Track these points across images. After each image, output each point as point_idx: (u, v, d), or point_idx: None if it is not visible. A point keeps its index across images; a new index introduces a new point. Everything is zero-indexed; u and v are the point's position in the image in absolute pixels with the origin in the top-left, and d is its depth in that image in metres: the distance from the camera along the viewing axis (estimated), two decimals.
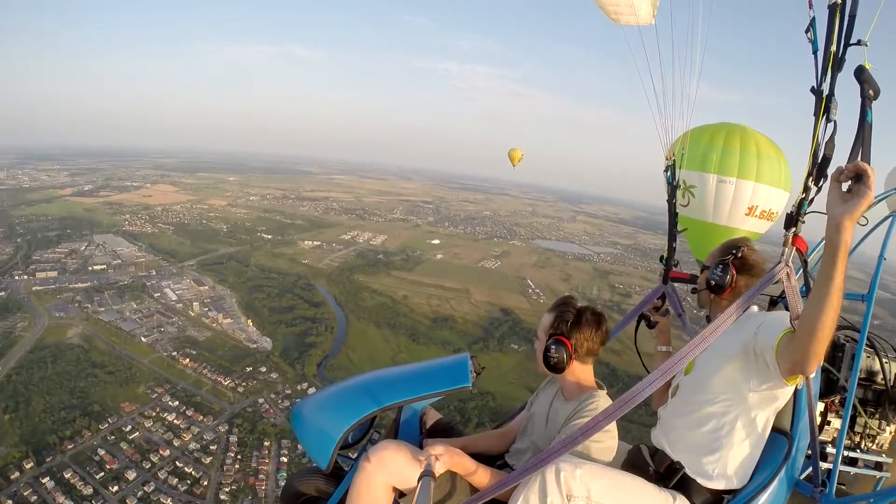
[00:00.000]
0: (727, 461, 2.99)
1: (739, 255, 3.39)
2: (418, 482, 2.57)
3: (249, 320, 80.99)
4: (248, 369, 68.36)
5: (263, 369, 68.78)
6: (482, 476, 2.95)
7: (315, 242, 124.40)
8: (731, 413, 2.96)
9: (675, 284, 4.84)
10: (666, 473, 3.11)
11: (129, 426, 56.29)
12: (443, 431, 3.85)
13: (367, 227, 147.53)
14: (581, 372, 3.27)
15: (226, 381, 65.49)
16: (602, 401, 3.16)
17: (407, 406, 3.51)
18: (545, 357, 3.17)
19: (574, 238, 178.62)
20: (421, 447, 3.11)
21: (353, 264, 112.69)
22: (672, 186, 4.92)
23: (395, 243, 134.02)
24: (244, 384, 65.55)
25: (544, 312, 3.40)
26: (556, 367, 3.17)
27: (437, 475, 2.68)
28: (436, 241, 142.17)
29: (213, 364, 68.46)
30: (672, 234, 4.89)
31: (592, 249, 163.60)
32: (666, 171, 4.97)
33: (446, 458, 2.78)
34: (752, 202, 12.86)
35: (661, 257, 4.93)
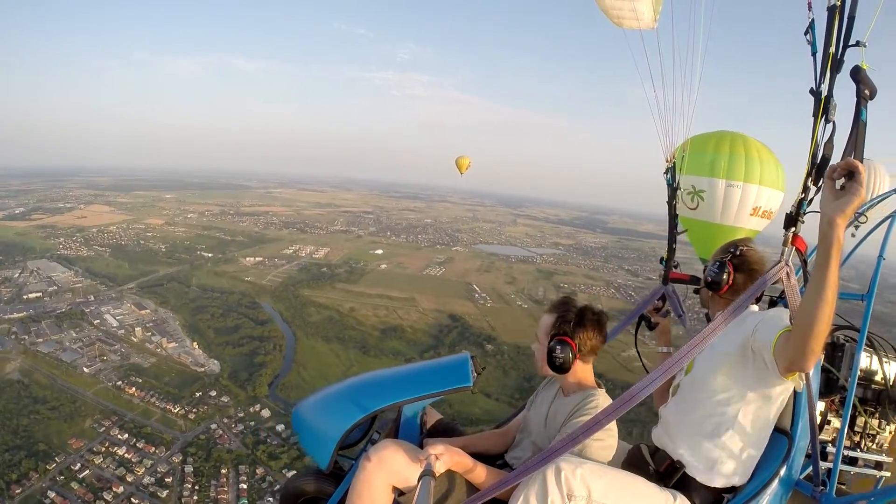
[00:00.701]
0: (727, 460, 3.01)
1: (738, 253, 3.48)
2: (418, 482, 2.61)
3: (195, 343, 78.32)
4: (198, 394, 65.94)
5: (213, 393, 66.47)
6: (482, 475, 3.00)
7: (257, 258, 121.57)
8: (732, 412, 2.98)
9: (675, 285, 4.90)
10: (666, 472, 3.13)
11: (79, 464, 53.33)
12: (443, 431, 3.86)
13: (309, 240, 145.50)
14: (582, 371, 3.32)
15: (175, 408, 63.01)
16: (602, 399, 3.19)
17: (407, 406, 3.53)
18: (550, 358, 3.19)
19: (516, 241, 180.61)
20: (421, 447, 3.16)
21: (297, 279, 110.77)
22: (672, 188, 4.94)
23: (337, 255, 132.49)
24: (195, 410, 63.19)
25: (543, 314, 3.41)
26: (562, 368, 3.19)
27: (437, 474, 2.72)
28: (379, 251, 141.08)
29: (160, 391, 65.77)
30: (672, 236, 4.97)
31: (535, 251, 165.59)
32: (666, 172, 4.98)
33: (446, 457, 2.82)
34: (756, 203, 13.96)
35: (661, 259, 5.01)
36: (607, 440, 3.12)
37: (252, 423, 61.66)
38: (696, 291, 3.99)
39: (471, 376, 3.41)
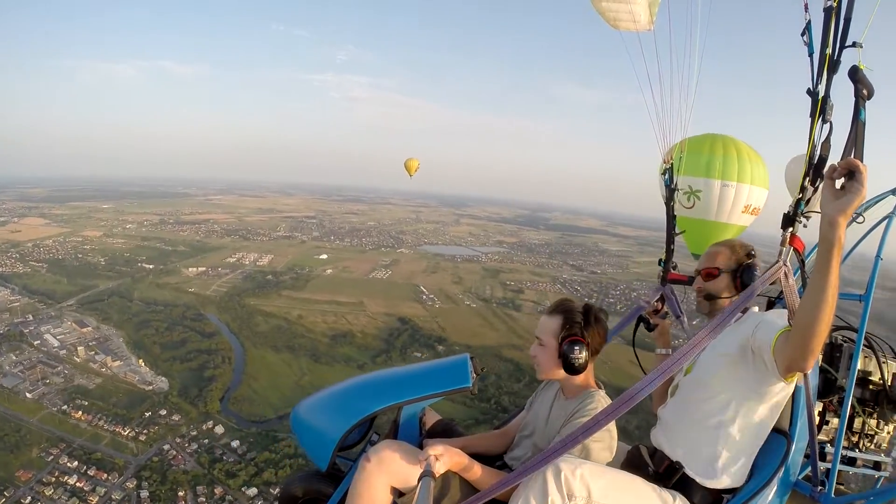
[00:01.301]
0: (726, 460, 3.01)
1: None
2: (418, 482, 2.63)
3: (141, 360, 75.14)
4: (147, 414, 63.05)
5: (163, 412, 63.62)
6: (482, 476, 2.99)
7: (200, 268, 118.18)
8: (731, 412, 2.99)
9: (674, 286, 4.84)
10: (665, 473, 3.14)
11: (29, 497, 50.13)
12: (442, 432, 3.85)
13: (252, 247, 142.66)
14: (586, 372, 3.28)
15: (125, 430, 60.03)
16: (601, 400, 3.17)
17: (406, 407, 3.53)
18: (567, 360, 3.15)
19: (460, 241, 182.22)
20: (421, 447, 3.14)
21: (242, 288, 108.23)
22: (670, 189, 4.92)
23: (282, 262, 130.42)
24: (146, 431, 60.29)
25: (542, 316, 3.36)
26: (581, 369, 3.17)
27: (436, 475, 2.73)
28: (324, 256, 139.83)
29: (108, 414, 62.58)
30: (670, 237, 4.90)
31: (479, 250, 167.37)
32: (664, 174, 5.00)
33: (446, 457, 2.83)
34: (748, 201, 15.17)
35: (660, 260, 4.92)
36: (607, 441, 3.09)
37: (206, 441, 59.52)
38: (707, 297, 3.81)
39: (470, 377, 3.40)
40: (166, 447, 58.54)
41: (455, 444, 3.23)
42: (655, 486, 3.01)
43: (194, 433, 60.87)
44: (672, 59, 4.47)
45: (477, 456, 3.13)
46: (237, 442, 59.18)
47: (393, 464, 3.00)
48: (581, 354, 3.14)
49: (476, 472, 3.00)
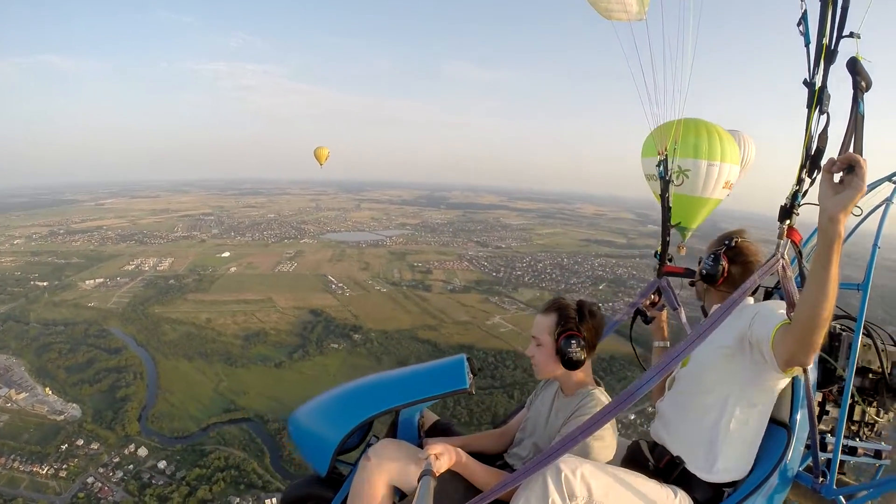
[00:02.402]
0: (726, 454, 3.03)
1: (733, 245, 3.57)
2: (418, 481, 2.62)
3: (47, 388, 68.39)
4: (64, 447, 57.56)
5: (80, 442, 58.33)
6: (482, 475, 3.02)
7: (97, 280, 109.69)
8: (729, 405, 3.01)
9: (670, 279, 4.85)
10: (666, 468, 3.15)
11: None
12: (440, 433, 3.83)
13: (150, 251, 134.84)
14: (583, 368, 3.31)
15: (43, 468, 54.47)
16: (600, 397, 3.22)
17: (404, 409, 3.58)
18: (565, 355, 3.19)
19: (363, 226, 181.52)
20: (420, 448, 3.14)
21: (145, 296, 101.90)
22: (665, 181, 4.94)
23: (183, 264, 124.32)
24: (65, 466, 54.91)
25: (537, 315, 3.39)
26: (578, 363, 3.22)
27: (437, 474, 2.73)
28: (226, 254, 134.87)
29: (21, 453, 56.55)
30: (665, 229, 4.91)
31: (383, 234, 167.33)
32: (658, 165, 4.99)
33: (446, 456, 2.87)
34: (727, 178, 17.24)
35: (655, 252, 4.90)
36: (607, 438, 3.10)
37: (131, 467, 55.39)
38: (692, 284, 4.04)
39: (467, 378, 3.42)
40: (90, 480, 53.82)
41: (455, 442, 3.28)
42: (656, 483, 3.00)
43: (117, 460, 56.36)
44: (664, 48, 4.62)
45: (477, 455, 3.18)
46: (164, 462, 55.73)
47: (393, 462, 3.05)
48: (578, 349, 3.18)
49: (476, 471, 3.03)
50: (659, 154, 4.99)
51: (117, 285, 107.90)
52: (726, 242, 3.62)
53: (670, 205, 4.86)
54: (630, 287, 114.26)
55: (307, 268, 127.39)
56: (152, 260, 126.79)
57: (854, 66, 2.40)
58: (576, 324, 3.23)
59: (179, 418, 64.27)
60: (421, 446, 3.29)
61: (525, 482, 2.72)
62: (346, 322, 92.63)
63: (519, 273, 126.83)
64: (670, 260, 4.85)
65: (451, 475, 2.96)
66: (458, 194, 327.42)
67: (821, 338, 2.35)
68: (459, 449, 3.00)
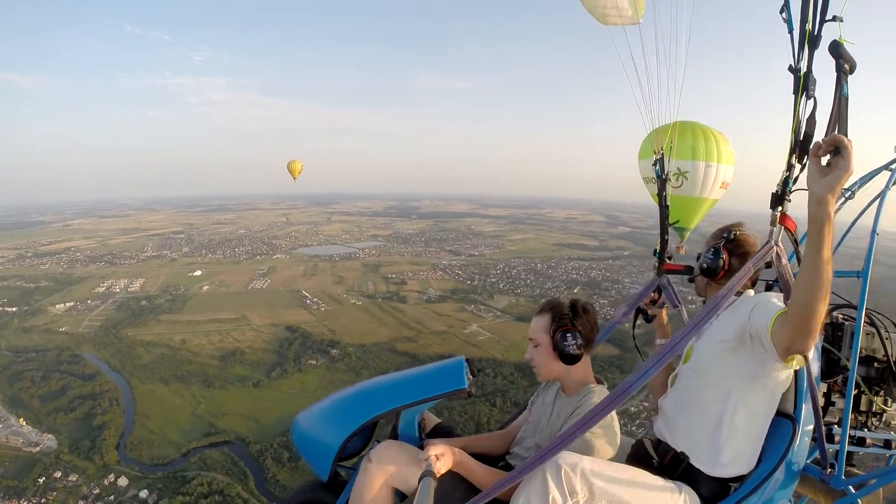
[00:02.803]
0: (731, 449, 2.99)
1: (732, 237, 3.54)
2: (419, 482, 2.63)
3: (21, 419, 65.41)
4: (42, 480, 54.62)
5: (58, 474, 55.40)
6: (483, 476, 3.02)
7: (68, 304, 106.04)
8: (732, 399, 2.97)
9: (670, 277, 4.85)
10: (670, 464, 3.11)
11: None
12: (441, 435, 3.80)
13: (121, 272, 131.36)
14: (583, 367, 3.35)
15: None
16: (601, 394, 3.23)
17: (405, 411, 3.58)
18: (562, 349, 3.22)
19: (335, 239, 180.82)
20: (422, 449, 3.11)
21: (117, 319, 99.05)
22: (662, 180, 4.96)
23: (154, 285, 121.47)
24: (44, 501, 52.05)
25: (533, 317, 3.42)
26: (576, 357, 3.24)
27: (437, 475, 2.72)
28: (198, 273, 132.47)
29: None
30: (664, 227, 4.94)
31: (356, 247, 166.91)
32: (655, 164, 5.04)
33: (447, 457, 2.87)
34: (724, 178, 17.21)
35: (655, 251, 4.91)
36: (608, 434, 3.09)
37: (112, 498, 53.21)
38: (691, 281, 4.01)
39: (466, 379, 3.40)
40: None
41: (456, 444, 3.27)
42: (660, 478, 2.96)
43: (97, 491, 53.98)
44: (658, 50, 4.64)
45: (478, 456, 3.17)
46: (145, 492, 53.60)
47: (394, 463, 3.08)
48: (574, 342, 3.20)
49: (477, 471, 3.02)
50: (655, 153, 5.02)
51: (88, 308, 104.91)
52: (725, 235, 3.58)
53: (667, 203, 4.92)
54: (604, 289, 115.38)
55: (281, 283, 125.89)
56: (123, 281, 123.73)
57: (837, 49, 2.39)
58: (570, 319, 3.27)
59: (159, 444, 62.25)
60: (422, 448, 3.18)
61: (525, 479, 2.70)
62: (323, 337, 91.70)
63: (493, 280, 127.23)
64: (669, 258, 4.86)
65: (452, 476, 2.95)
66: (429, 203, 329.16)
67: (818, 322, 2.29)
68: (460, 450, 3.01)
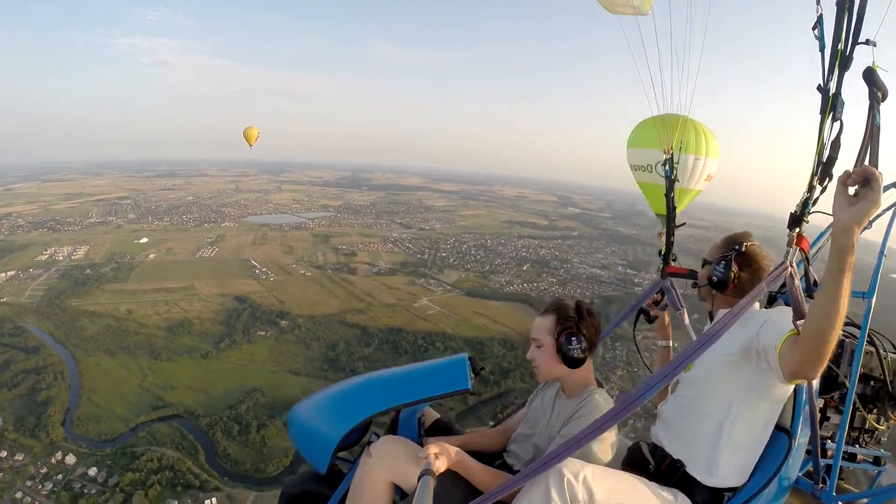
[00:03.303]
0: (727, 459, 2.99)
1: (742, 250, 3.46)
2: (418, 481, 2.61)
3: None
4: None
5: (3, 454, 52.96)
6: (482, 475, 2.99)
7: (9, 273, 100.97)
8: (732, 411, 2.97)
9: (674, 279, 4.84)
10: (666, 471, 3.12)
11: None
12: (442, 432, 3.90)
13: (64, 239, 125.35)
14: (584, 369, 3.32)
15: None
16: (602, 399, 3.23)
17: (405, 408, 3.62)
18: (566, 353, 3.21)
19: (285, 208, 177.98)
20: (421, 446, 3.10)
21: (61, 288, 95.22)
22: (670, 181, 4.96)
23: (99, 252, 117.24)
24: None
25: (536, 317, 3.41)
26: (580, 361, 3.23)
27: (436, 473, 2.71)
28: (144, 240, 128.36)
29: None
30: (670, 229, 4.96)
31: (306, 216, 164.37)
32: (664, 164, 5.06)
33: (446, 456, 2.83)
34: (710, 171, 16.82)
35: (660, 252, 4.98)
36: (607, 440, 3.11)
37: (60, 477, 51.17)
38: (695, 286, 3.96)
39: (469, 379, 3.40)
40: (19, 495, 49.06)
41: (455, 441, 3.32)
42: (656, 486, 2.99)
43: (44, 470, 51.96)
44: (672, 43, 4.57)
45: (477, 453, 3.14)
46: (94, 469, 51.76)
47: (394, 460, 3.07)
48: (579, 346, 3.20)
49: (475, 471, 2.98)
50: (665, 152, 5.01)
51: (31, 277, 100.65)
52: (736, 248, 3.50)
53: (674, 205, 4.95)
54: (553, 268, 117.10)
55: (229, 252, 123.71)
56: (67, 248, 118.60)
57: (871, 75, 2.31)
58: (575, 322, 3.25)
59: (106, 420, 60.66)
60: (421, 445, 3.27)
61: (527, 486, 2.70)
62: (273, 308, 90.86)
63: (444, 255, 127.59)
64: (674, 260, 4.89)
65: (452, 475, 2.93)
66: (381, 175, 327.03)
67: (829, 350, 2.26)
68: (459, 449, 2.96)
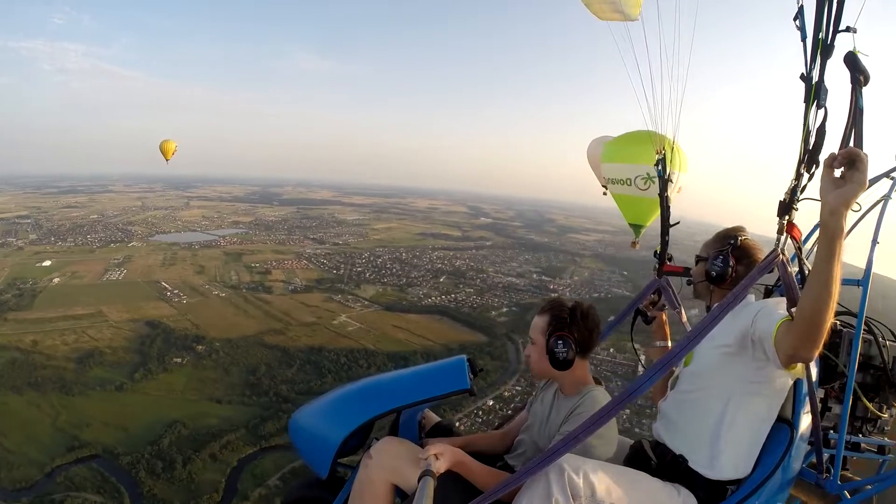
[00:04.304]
0: (729, 452, 3.00)
1: (737, 244, 3.50)
2: (419, 481, 2.61)
3: None
4: None
5: None
6: (483, 476, 3.00)
7: None
8: (732, 403, 2.99)
9: (670, 278, 4.87)
10: (668, 466, 3.14)
11: None
12: (443, 434, 3.87)
13: None
14: (580, 369, 3.35)
15: None
16: (600, 396, 3.24)
17: (405, 410, 3.61)
18: (553, 355, 3.22)
19: (195, 226, 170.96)
20: (422, 448, 3.10)
21: None
22: (663, 180, 5.05)
23: None
24: None
25: (534, 316, 3.43)
26: (565, 364, 3.23)
27: (437, 474, 2.71)
28: (47, 263, 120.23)
29: None
30: (665, 228, 4.91)
31: (216, 234, 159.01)
32: (657, 165, 5.15)
33: (446, 457, 2.85)
34: (680, 185, 16.83)
35: (655, 252, 4.91)
36: (607, 436, 3.12)
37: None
38: (690, 283, 4.02)
39: (468, 379, 3.43)
40: None
41: (456, 443, 3.32)
42: (658, 480, 3.01)
43: None
44: (661, 47, 4.57)
45: (478, 455, 3.15)
46: None
47: (394, 461, 3.08)
48: (566, 349, 3.19)
49: (476, 471, 2.99)
50: (658, 153, 5.08)
51: None
52: (731, 242, 3.54)
53: (669, 205, 4.93)
54: (470, 279, 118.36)
55: (138, 274, 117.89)
56: None
57: (853, 60, 2.36)
58: (566, 324, 3.26)
59: (18, 465, 56.05)
60: (422, 447, 3.19)
61: (528, 482, 2.70)
62: (187, 332, 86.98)
63: (359, 269, 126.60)
64: (669, 259, 4.86)
65: (453, 476, 2.92)
66: (291, 190, 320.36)
67: (824, 333, 2.27)
68: (460, 449, 2.98)
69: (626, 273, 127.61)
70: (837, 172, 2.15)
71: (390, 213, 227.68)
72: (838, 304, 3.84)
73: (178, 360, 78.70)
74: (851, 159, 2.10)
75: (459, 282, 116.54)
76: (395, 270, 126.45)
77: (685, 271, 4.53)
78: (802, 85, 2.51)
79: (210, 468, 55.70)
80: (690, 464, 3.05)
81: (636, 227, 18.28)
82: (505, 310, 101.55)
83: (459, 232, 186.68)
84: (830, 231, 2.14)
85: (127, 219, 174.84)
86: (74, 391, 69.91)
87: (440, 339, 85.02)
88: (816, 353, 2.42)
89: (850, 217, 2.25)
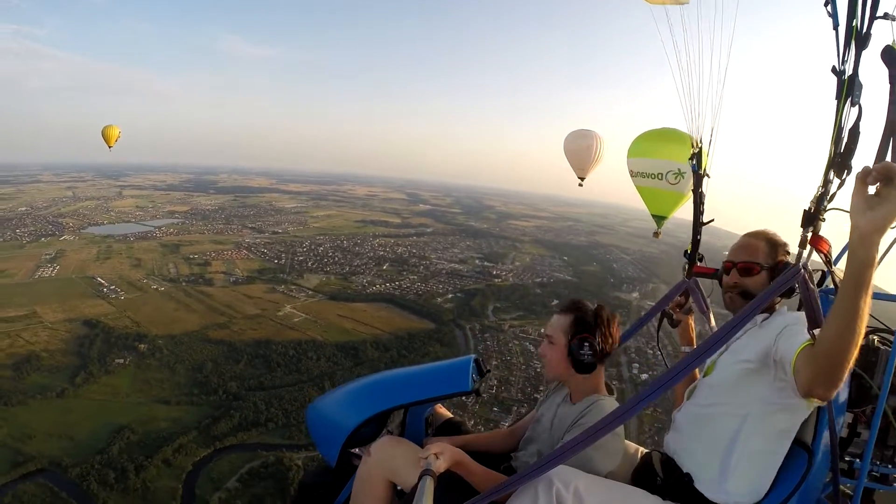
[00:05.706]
0: (739, 475, 2.77)
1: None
2: (418, 480, 2.58)
3: None
4: None
5: None
6: (481, 477, 2.90)
7: None
8: (748, 425, 2.76)
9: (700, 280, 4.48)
10: (674, 485, 2.94)
11: None
12: (452, 431, 3.82)
13: None
14: (596, 375, 3.20)
15: None
16: (608, 405, 3.10)
17: (412, 407, 3.57)
18: (576, 357, 3.08)
19: (128, 216, 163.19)
20: (423, 446, 3.13)
21: None
22: (698, 175, 4.58)
23: None
24: None
25: (554, 314, 3.29)
26: (589, 367, 3.10)
27: (436, 473, 2.66)
28: None
29: None
30: (697, 226, 4.55)
31: (151, 224, 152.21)
32: (692, 159, 4.67)
33: (446, 456, 2.76)
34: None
35: (685, 251, 4.58)
36: (609, 448, 2.95)
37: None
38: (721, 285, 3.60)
39: (470, 381, 3.35)
40: None
41: (457, 442, 3.22)
42: (658, 499, 2.84)
43: None
44: (713, 33, 4.22)
45: (481, 455, 3.12)
46: None
47: (392, 460, 3.04)
48: (590, 352, 3.06)
49: (475, 472, 2.90)
50: (693, 147, 4.68)
51: None
52: (788, 251, 3.17)
53: (703, 201, 4.53)
54: (413, 265, 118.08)
55: (72, 270, 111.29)
56: None
57: (891, 56, 2.08)
58: (592, 328, 3.10)
59: None
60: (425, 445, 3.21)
61: (517, 492, 2.62)
62: (128, 331, 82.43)
63: (301, 258, 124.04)
64: (700, 259, 4.49)
65: (453, 476, 2.84)
66: (226, 178, 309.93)
67: (844, 373, 1.97)
68: (459, 449, 2.86)
69: (566, 258, 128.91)
70: (872, 189, 1.77)
71: (329, 201, 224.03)
72: (876, 318, 3.39)
73: (121, 360, 74.54)
74: (889, 176, 1.70)
75: (403, 269, 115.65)
76: (337, 259, 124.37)
77: (717, 273, 3.93)
78: (834, 79, 2.22)
79: (165, 474, 52.79)
80: (696, 485, 2.83)
81: (659, 219, 18.50)
82: (450, 296, 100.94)
83: (399, 219, 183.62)
84: (860, 259, 1.79)
85: (57, 210, 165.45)
86: (13, 401, 64.63)
87: (388, 328, 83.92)
88: (834, 393, 2.09)
89: (887, 236, 1.81)
